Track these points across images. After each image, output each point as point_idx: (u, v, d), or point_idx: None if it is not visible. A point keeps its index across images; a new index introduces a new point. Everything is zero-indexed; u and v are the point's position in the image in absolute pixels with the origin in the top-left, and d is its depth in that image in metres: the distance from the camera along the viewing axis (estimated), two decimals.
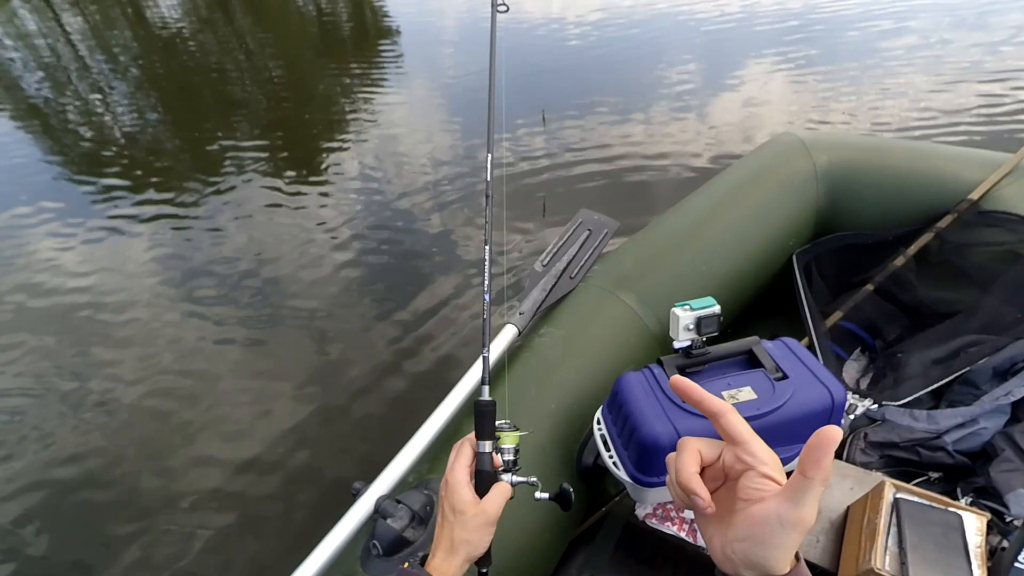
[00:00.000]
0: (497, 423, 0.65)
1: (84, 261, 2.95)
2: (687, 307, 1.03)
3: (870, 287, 1.59)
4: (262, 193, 3.38)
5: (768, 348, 1.05)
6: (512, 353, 1.23)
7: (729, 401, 0.95)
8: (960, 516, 0.98)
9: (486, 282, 0.73)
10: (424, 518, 0.88)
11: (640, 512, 1.21)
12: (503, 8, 0.97)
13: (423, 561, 0.60)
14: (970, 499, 1.17)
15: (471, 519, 0.59)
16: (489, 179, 0.81)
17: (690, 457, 0.40)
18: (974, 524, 0.97)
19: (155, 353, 2.34)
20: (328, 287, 2.62)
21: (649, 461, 0.95)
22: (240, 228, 3.09)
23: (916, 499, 1.01)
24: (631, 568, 1.25)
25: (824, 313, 1.58)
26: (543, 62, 4.88)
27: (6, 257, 3.02)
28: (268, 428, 2.01)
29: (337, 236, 2.93)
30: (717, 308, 1.03)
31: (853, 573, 0.99)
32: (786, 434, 0.93)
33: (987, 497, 1.16)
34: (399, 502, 0.88)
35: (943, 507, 1.00)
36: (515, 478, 0.65)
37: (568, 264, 1.39)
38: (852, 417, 1.34)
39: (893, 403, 1.33)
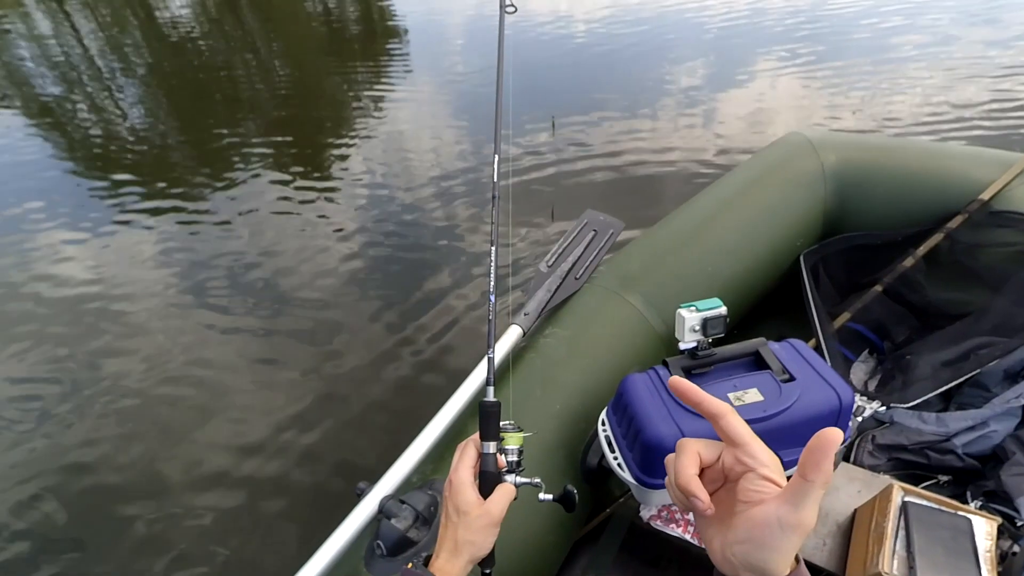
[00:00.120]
0: (501, 424, 0.65)
1: (95, 254, 2.99)
2: (693, 308, 1.02)
3: (879, 288, 1.58)
4: (270, 190, 3.41)
5: (775, 350, 1.04)
6: (517, 354, 1.23)
7: (735, 403, 0.94)
8: (970, 520, 0.97)
9: (491, 283, 0.73)
10: (428, 518, 0.88)
11: (645, 514, 1.21)
12: (511, 9, 0.97)
13: (427, 561, 0.60)
14: (980, 503, 1.16)
15: (475, 520, 0.59)
16: (495, 180, 0.81)
17: (689, 459, 0.40)
18: (984, 528, 0.96)
19: (164, 344, 2.37)
20: (334, 282, 2.64)
21: (654, 463, 0.94)
22: (248, 223, 3.12)
23: (925, 502, 1.00)
24: (635, 570, 1.24)
25: (832, 314, 1.57)
26: (550, 59, 4.88)
27: (21, 251, 3.07)
28: (273, 417, 2.03)
29: (343, 233, 2.95)
30: (723, 309, 1.02)
31: None
32: (793, 437, 0.92)
33: (997, 501, 1.15)
34: (403, 502, 0.88)
35: (952, 511, 0.99)
36: (519, 479, 0.64)
37: (573, 264, 1.39)
38: (860, 419, 1.33)
39: (902, 405, 1.31)
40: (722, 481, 0.41)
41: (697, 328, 1.01)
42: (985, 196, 1.47)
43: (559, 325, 1.30)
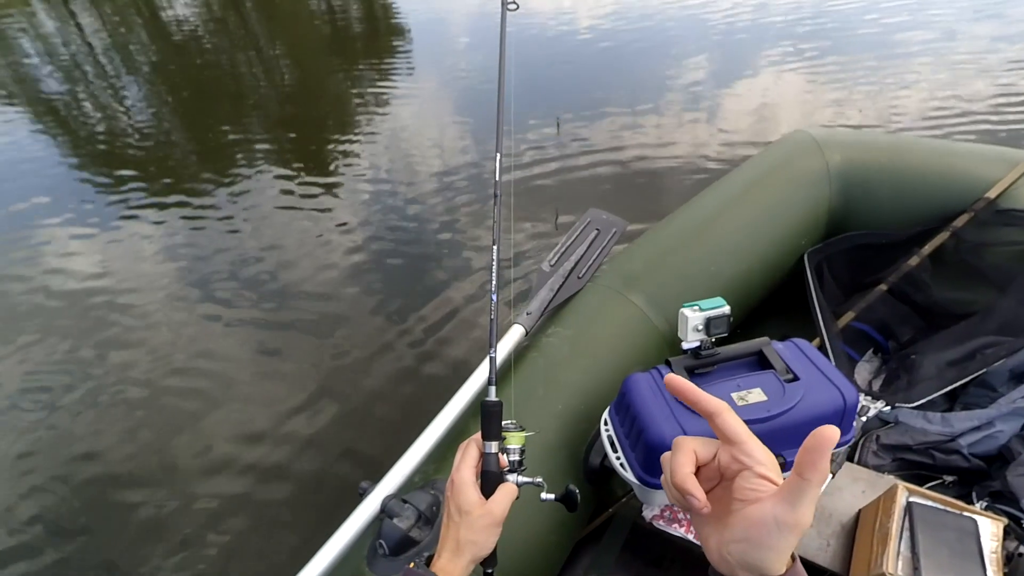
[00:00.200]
0: (503, 423, 0.65)
1: (102, 248, 3.03)
2: (696, 307, 1.02)
3: (883, 287, 1.57)
4: (274, 188, 3.43)
5: (779, 349, 1.04)
6: (519, 353, 1.23)
7: (739, 403, 0.94)
8: (975, 521, 0.96)
9: (493, 282, 0.73)
10: (430, 518, 0.88)
11: (647, 514, 1.20)
12: (513, 7, 0.97)
13: (429, 561, 0.60)
14: (986, 503, 1.15)
15: (477, 520, 0.59)
16: (497, 179, 0.80)
17: (685, 457, 0.40)
18: (990, 529, 0.95)
19: (169, 336, 2.41)
20: (337, 279, 2.65)
21: (656, 463, 0.93)
22: (252, 221, 3.14)
23: (930, 503, 1.00)
24: (638, 570, 1.24)
25: (836, 314, 1.56)
26: (554, 56, 4.88)
27: (29, 246, 3.10)
28: (276, 407, 2.06)
29: (347, 230, 2.97)
30: (727, 308, 1.01)
31: None
32: (797, 437, 0.91)
33: (1003, 501, 1.14)
34: (405, 502, 0.88)
35: (958, 511, 0.98)
36: (521, 479, 0.64)
37: (576, 264, 1.39)
38: (864, 419, 1.32)
39: (906, 405, 1.31)
40: (718, 479, 0.40)
41: (700, 327, 1.01)
42: (991, 194, 1.45)
43: (562, 324, 1.30)
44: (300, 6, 8.09)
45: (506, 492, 0.61)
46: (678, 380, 0.41)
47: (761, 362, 1.03)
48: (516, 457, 0.65)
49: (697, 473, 0.40)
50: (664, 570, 1.25)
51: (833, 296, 1.62)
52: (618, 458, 1.02)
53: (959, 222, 1.48)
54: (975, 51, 3.96)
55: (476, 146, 3.64)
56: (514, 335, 1.20)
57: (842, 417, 0.95)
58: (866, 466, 1.26)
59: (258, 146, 3.99)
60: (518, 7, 0.96)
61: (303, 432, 1.97)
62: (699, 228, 1.53)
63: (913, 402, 1.30)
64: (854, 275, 1.68)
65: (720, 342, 1.04)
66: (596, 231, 1.47)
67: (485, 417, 0.63)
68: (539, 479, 0.65)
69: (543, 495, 0.67)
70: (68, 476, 1.91)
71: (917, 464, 1.29)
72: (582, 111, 3.84)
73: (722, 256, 1.49)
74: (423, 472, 1.02)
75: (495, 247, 0.75)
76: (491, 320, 0.72)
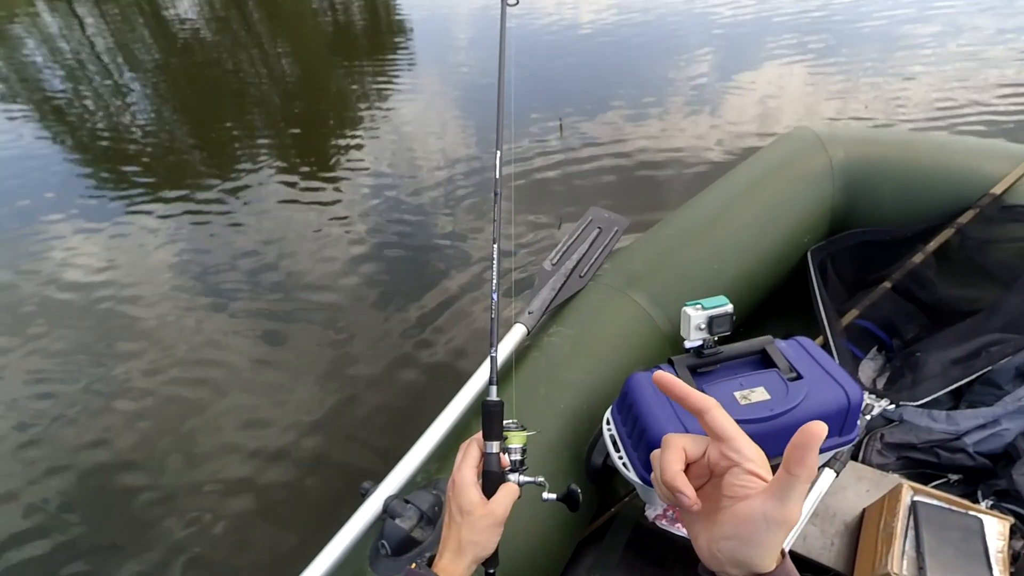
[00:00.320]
0: (505, 423, 0.64)
1: (106, 245, 3.04)
2: (699, 306, 1.01)
3: (887, 285, 1.56)
4: (276, 183, 3.45)
5: (782, 348, 1.03)
6: (521, 352, 1.22)
7: (742, 402, 0.93)
8: (981, 520, 0.95)
9: (494, 281, 0.73)
10: (432, 518, 0.88)
11: (650, 513, 1.20)
12: (512, 2, 0.96)
13: (431, 561, 0.60)
14: (991, 502, 1.15)
15: (478, 520, 0.59)
16: (497, 176, 0.80)
17: (674, 454, 0.40)
18: (996, 528, 0.94)
19: (173, 340, 2.42)
20: (340, 277, 2.66)
21: None
22: (256, 220, 3.15)
23: (935, 502, 0.99)
24: (641, 569, 1.24)
25: (840, 311, 1.56)
26: (555, 53, 4.86)
27: (35, 242, 3.12)
28: (279, 407, 2.07)
29: (350, 228, 2.98)
30: (729, 307, 1.01)
31: None
32: None
33: (1009, 500, 1.13)
34: (407, 502, 0.88)
35: (963, 510, 0.97)
36: (523, 478, 0.64)
37: (578, 263, 1.38)
38: (868, 418, 1.31)
39: (911, 403, 1.30)
40: (708, 476, 0.40)
41: (703, 326, 1.00)
42: (997, 190, 1.44)
43: (563, 324, 1.29)
44: (302, 4, 8.09)
45: (508, 492, 0.61)
46: (666, 377, 0.41)
47: (764, 361, 1.03)
48: (518, 457, 0.65)
49: (687, 470, 0.40)
50: (667, 570, 1.25)
51: (837, 294, 1.61)
52: (620, 458, 1.02)
53: (964, 219, 1.47)
54: (982, 46, 3.93)
55: (478, 142, 3.64)
56: (516, 334, 1.20)
57: (846, 416, 0.95)
58: (870, 465, 1.26)
59: (261, 142, 4.01)
60: (518, 2, 0.95)
61: (305, 419, 2.00)
62: (701, 226, 1.52)
63: (918, 400, 1.29)
64: (858, 272, 1.67)
65: (723, 341, 1.04)
66: (598, 230, 1.46)
67: (486, 417, 0.63)
68: (541, 479, 0.65)
69: (545, 495, 0.67)
70: (73, 466, 1.94)
71: (922, 463, 1.28)
72: (584, 106, 3.83)
73: (725, 254, 1.48)
74: (425, 472, 1.02)
75: (495, 246, 0.75)
76: (492, 320, 0.72)
